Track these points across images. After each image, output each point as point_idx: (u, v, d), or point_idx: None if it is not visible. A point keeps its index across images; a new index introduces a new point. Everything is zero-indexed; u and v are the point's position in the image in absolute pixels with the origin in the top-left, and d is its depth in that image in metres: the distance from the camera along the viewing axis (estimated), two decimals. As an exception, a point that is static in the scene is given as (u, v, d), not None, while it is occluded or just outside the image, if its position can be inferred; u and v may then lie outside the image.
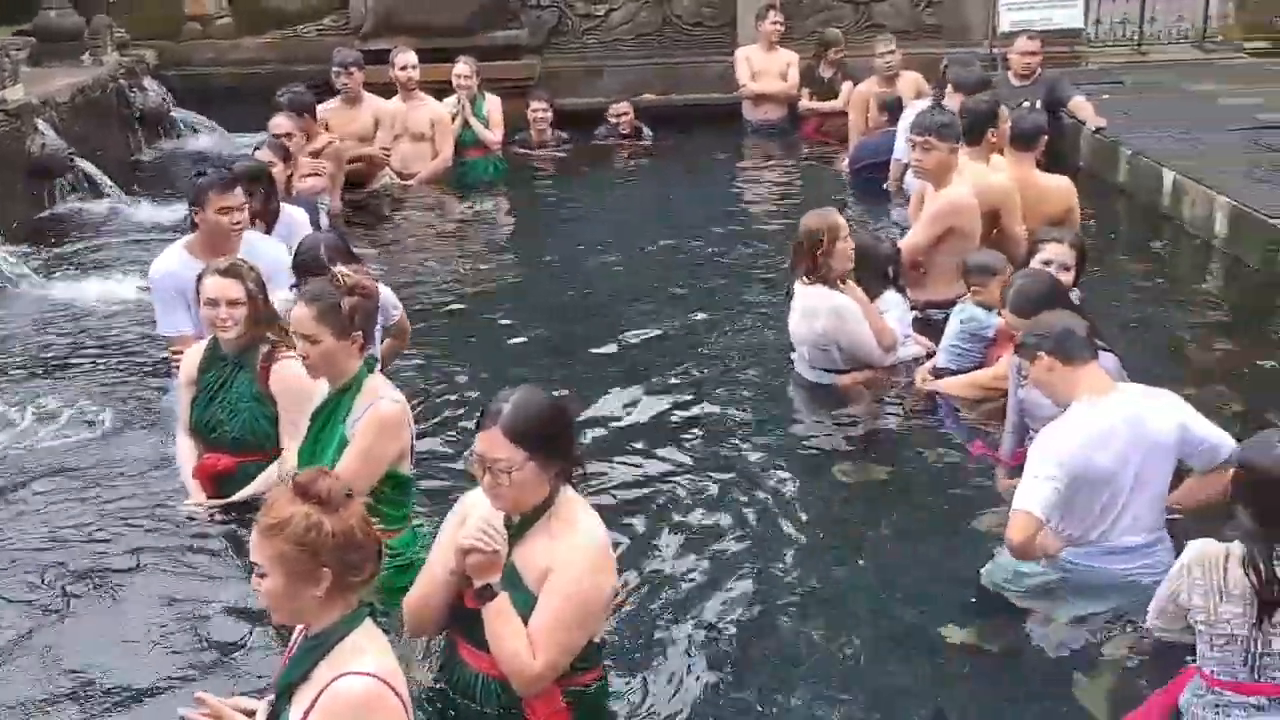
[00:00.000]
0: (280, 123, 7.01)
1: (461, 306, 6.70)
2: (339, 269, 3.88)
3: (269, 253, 5.03)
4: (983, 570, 3.89)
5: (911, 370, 5.35)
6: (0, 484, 4.62)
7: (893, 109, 8.55)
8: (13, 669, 3.54)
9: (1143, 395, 3.75)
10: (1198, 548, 3.10)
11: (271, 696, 2.67)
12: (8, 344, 6.12)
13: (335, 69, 8.60)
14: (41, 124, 8.37)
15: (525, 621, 2.96)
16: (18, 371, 5.74)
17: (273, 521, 2.54)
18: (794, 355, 5.51)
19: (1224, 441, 3.68)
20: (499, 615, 2.96)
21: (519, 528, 3.03)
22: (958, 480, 4.65)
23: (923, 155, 5.79)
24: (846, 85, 9.82)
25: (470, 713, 3.10)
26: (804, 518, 4.43)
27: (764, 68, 10.33)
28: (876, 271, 5.43)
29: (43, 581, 3.93)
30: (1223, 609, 3.02)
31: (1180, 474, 3.80)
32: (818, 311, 5.19)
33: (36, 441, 4.97)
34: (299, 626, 2.68)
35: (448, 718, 3.16)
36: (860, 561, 4.18)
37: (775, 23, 10.29)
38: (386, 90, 8.98)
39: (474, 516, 3.04)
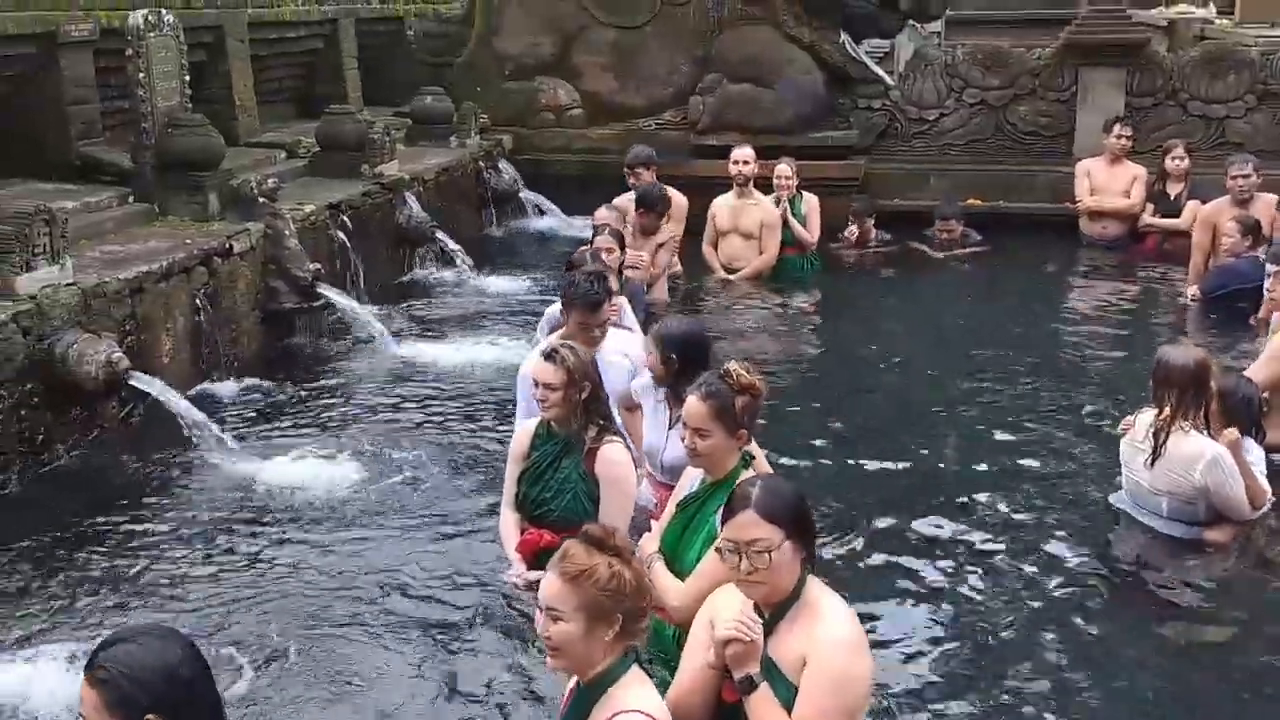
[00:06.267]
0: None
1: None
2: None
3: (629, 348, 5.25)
4: None
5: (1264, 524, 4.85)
6: (346, 521, 5.14)
7: (1255, 232, 8.05)
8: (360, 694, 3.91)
9: None
10: None
11: None
12: (365, 394, 6.77)
13: (626, 168, 8.98)
14: (410, 197, 9.30)
15: (787, 711, 2.99)
16: (374, 421, 6.34)
17: (579, 570, 2.78)
18: (1119, 497, 5.10)
19: None
20: (762, 705, 3.01)
21: (770, 620, 3.08)
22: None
23: (1275, 285, 5.57)
24: (1193, 204, 9.34)
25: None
26: (1135, 677, 4.08)
27: (1106, 183, 10.02)
28: (1242, 417, 4.98)
29: (371, 624, 4.33)
30: None
31: None
32: (1196, 462, 4.72)
33: (382, 485, 5.45)
34: (573, 678, 2.87)
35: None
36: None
37: (1121, 136, 9.97)
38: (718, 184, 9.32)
39: (724, 612, 3.10)
